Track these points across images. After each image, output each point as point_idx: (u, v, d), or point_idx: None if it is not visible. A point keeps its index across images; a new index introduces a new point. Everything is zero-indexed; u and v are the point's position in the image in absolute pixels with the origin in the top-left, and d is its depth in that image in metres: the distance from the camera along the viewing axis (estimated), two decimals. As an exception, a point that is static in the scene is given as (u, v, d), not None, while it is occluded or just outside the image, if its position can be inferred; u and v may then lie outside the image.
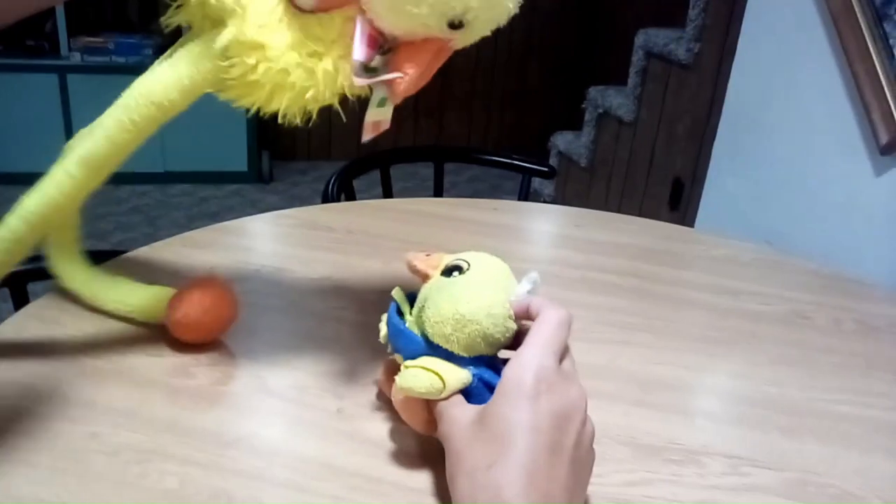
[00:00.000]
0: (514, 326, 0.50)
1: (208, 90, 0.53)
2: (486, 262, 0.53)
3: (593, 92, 2.59)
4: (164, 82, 0.52)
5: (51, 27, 2.95)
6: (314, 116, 0.53)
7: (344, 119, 0.55)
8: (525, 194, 1.46)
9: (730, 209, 1.65)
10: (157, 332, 0.65)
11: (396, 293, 0.55)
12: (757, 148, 1.56)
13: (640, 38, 2.29)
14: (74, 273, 0.67)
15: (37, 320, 0.67)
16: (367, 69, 0.52)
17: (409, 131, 3.75)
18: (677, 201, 2.14)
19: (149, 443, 0.52)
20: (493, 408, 0.44)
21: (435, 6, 0.49)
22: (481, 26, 0.52)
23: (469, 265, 0.52)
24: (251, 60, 0.50)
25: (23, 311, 0.68)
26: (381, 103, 0.55)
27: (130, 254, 0.80)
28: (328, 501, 0.49)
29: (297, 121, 0.53)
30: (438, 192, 1.48)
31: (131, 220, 2.87)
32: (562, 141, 2.80)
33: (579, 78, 2.91)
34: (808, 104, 1.43)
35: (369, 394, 0.59)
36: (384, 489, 0.50)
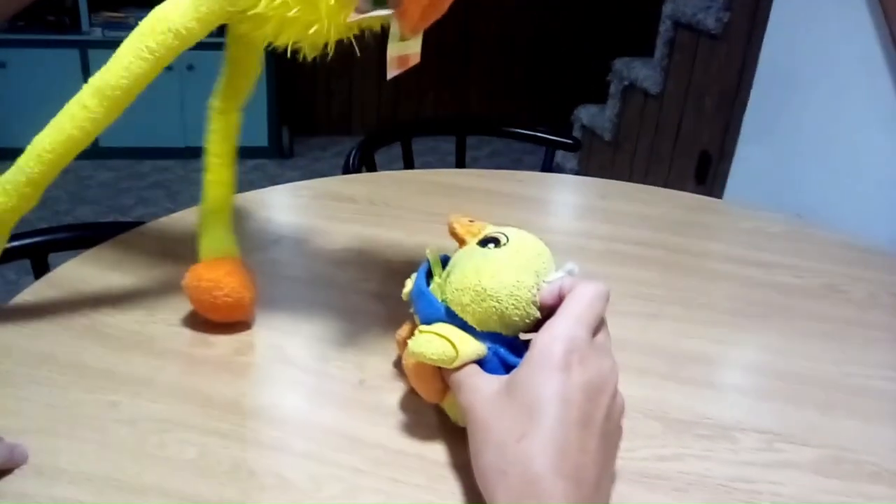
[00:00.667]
0: (536, 313, 0.48)
1: (224, 21, 0.52)
2: (526, 242, 0.51)
3: (619, 64, 2.54)
4: (182, 10, 0.50)
5: (72, 2, 2.95)
6: (330, 52, 0.52)
7: (357, 53, 0.53)
8: (548, 168, 1.44)
9: (759, 183, 1.61)
10: (177, 302, 0.64)
11: (431, 253, 0.54)
12: (789, 120, 1.52)
13: (668, 8, 2.24)
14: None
15: (56, 289, 0.66)
16: (374, 0, 0.50)
17: (429, 105, 3.71)
18: (704, 175, 2.10)
19: (168, 412, 0.52)
20: (522, 377, 0.43)
21: None
22: None
23: (507, 240, 0.50)
24: None
25: (43, 279, 0.68)
26: (405, 36, 0.53)
27: (150, 224, 0.79)
28: (349, 473, 0.48)
29: (310, 56, 0.52)
30: (461, 166, 1.46)
31: (153, 195, 2.88)
32: (585, 114, 2.76)
33: (604, 49, 2.85)
34: (843, 75, 1.39)
35: (391, 366, 0.58)
36: (406, 461, 0.49)
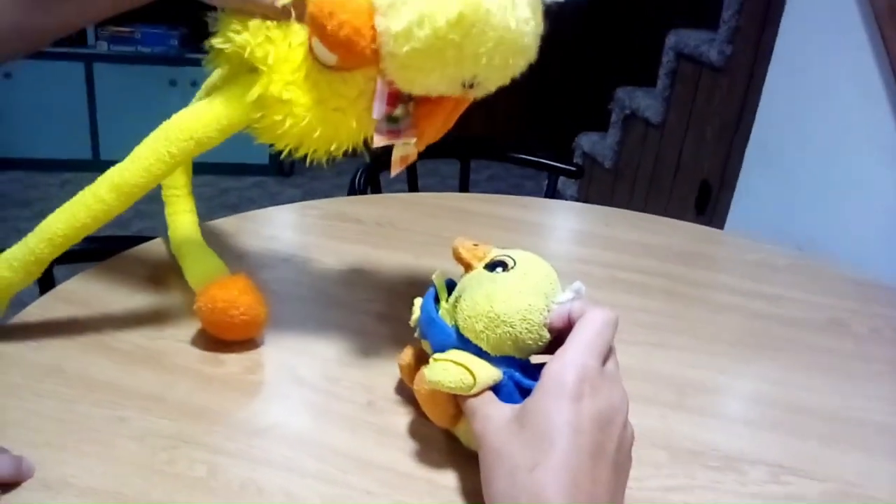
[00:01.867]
0: (547, 336, 0.49)
1: (244, 129, 0.56)
2: (533, 264, 0.51)
3: (621, 93, 2.56)
4: (204, 120, 0.54)
5: (79, 15, 2.96)
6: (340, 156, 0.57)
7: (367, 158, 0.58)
8: (551, 194, 1.45)
9: (760, 214, 1.62)
10: (187, 318, 0.64)
11: (437, 278, 0.54)
12: (791, 152, 1.54)
13: (671, 39, 2.26)
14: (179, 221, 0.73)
15: (64, 302, 0.66)
16: (389, 119, 0.55)
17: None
18: (704, 205, 2.12)
19: (177, 429, 0.51)
20: (534, 406, 0.43)
21: (444, 76, 0.51)
22: (495, 82, 0.54)
23: (514, 263, 0.51)
24: (278, 117, 0.53)
25: (50, 293, 0.68)
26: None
27: (158, 239, 0.79)
28: (359, 495, 0.47)
29: (323, 162, 0.57)
30: (464, 189, 1.46)
31: (152, 209, 2.84)
32: (587, 142, 2.77)
33: (606, 78, 2.88)
34: (846, 108, 1.41)
35: (399, 388, 0.58)
36: (415, 485, 0.49)
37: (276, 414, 0.55)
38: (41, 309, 0.65)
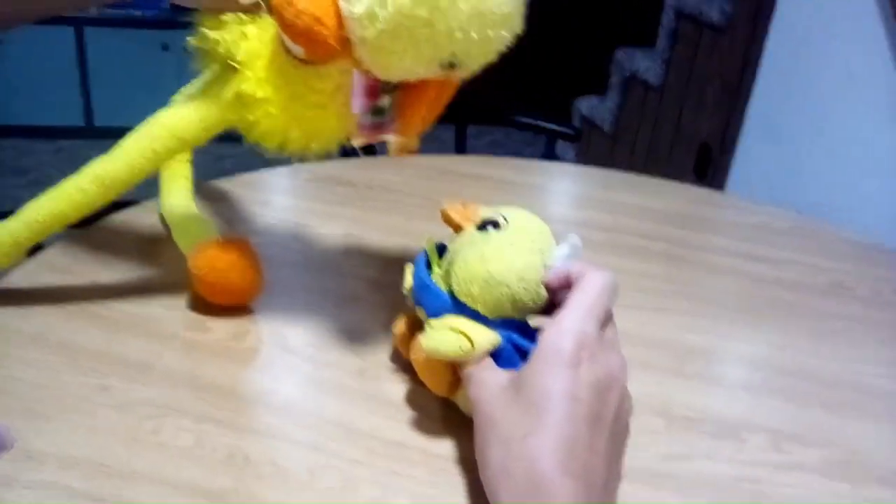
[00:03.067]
0: (545, 294, 0.47)
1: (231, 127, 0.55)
2: (525, 221, 0.50)
3: (620, 54, 2.52)
4: (189, 119, 0.54)
5: (68, -22, 2.91)
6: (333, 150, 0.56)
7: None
8: (549, 156, 1.42)
9: (761, 177, 1.60)
10: (174, 284, 0.62)
11: (428, 243, 0.52)
12: (793, 115, 1.51)
13: (671, -1, 2.22)
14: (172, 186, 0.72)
15: (49, 269, 0.64)
16: (375, 111, 0.53)
17: (428, 93, 3.68)
18: (704, 169, 2.09)
19: (163, 398, 0.50)
20: (530, 374, 0.41)
21: (419, 58, 0.48)
22: (477, 59, 0.50)
23: (506, 221, 0.49)
24: (254, 116, 0.51)
25: (34, 258, 0.66)
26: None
27: (145, 203, 0.77)
28: (347, 464, 0.46)
29: (314, 157, 0.55)
30: (460, 153, 1.44)
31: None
32: (585, 105, 2.74)
33: (606, 39, 2.83)
34: (850, 67, 1.38)
35: (390, 354, 0.57)
36: (406, 454, 0.48)
37: (264, 382, 0.54)
38: (26, 275, 0.63)
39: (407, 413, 0.51)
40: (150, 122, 0.54)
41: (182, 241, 0.64)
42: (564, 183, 1.05)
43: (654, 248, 0.81)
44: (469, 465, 0.46)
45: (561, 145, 2.82)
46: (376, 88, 0.52)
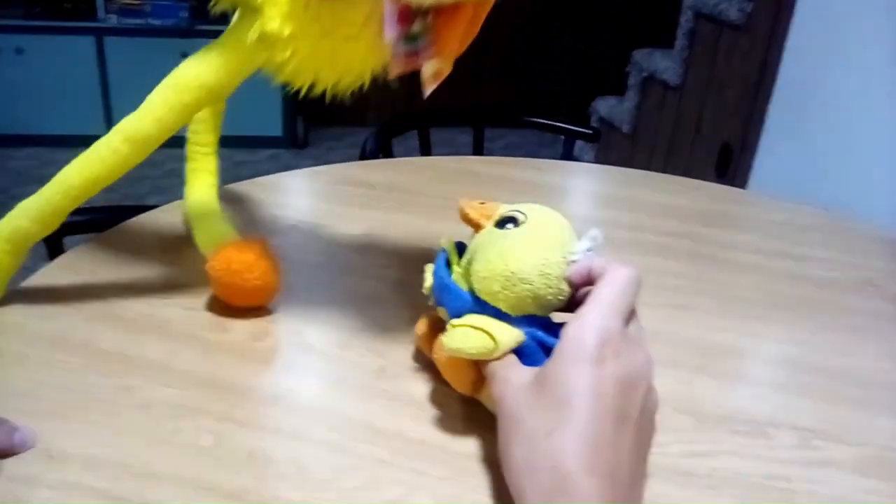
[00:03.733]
0: (567, 289, 0.46)
1: (255, 71, 0.53)
2: (544, 216, 0.49)
3: (638, 55, 2.51)
4: (214, 66, 0.51)
5: (88, -11, 2.95)
6: (365, 87, 0.53)
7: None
8: (567, 158, 1.41)
9: (783, 176, 1.58)
10: (193, 285, 0.62)
11: (446, 243, 0.52)
12: (816, 112, 1.49)
13: (689, -1, 2.20)
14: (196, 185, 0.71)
15: (70, 271, 0.65)
16: (408, 38, 0.49)
17: (444, 98, 3.68)
18: (725, 168, 2.07)
19: (183, 398, 0.50)
20: (553, 370, 0.41)
21: None
22: None
23: (525, 217, 0.48)
24: (284, 55, 0.49)
25: (56, 261, 0.66)
26: None
27: (165, 207, 0.78)
28: (370, 463, 0.46)
29: (346, 97, 0.53)
30: (478, 155, 1.44)
31: (167, 183, 2.87)
32: (603, 106, 2.72)
33: (623, 41, 2.82)
34: (871, 65, 1.36)
35: (411, 353, 0.56)
36: (429, 452, 0.47)
37: (285, 382, 0.53)
38: (47, 278, 0.63)
39: (429, 412, 0.51)
40: (175, 74, 0.52)
41: (201, 240, 0.64)
42: (585, 182, 1.04)
43: (677, 246, 0.80)
44: (492, 463, 0.46)
45: (579, 146, 2.80)
46: (408, 14, 0.48)
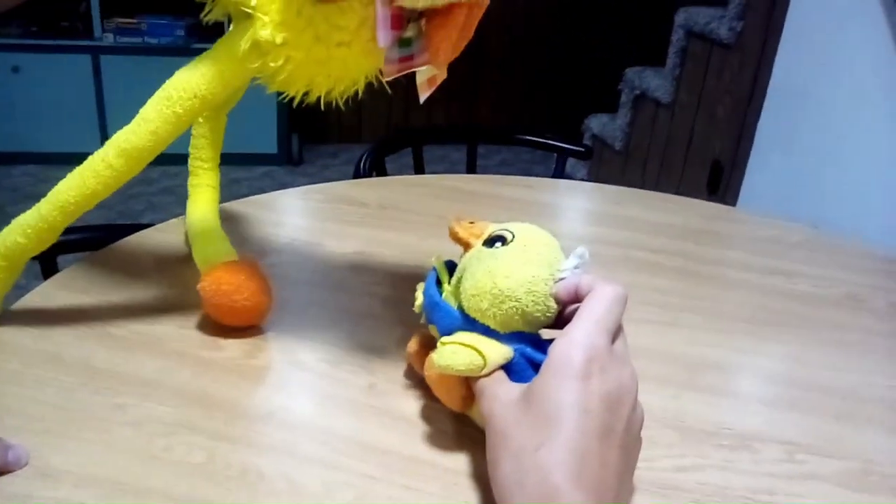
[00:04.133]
0: (555, 306, 0.47)
1: (251, 80, 0.52)
2: (532, 234, 0.50)
3: (630, 73, 2.53)
4: (206, 76, 0.51)
5: (85, 8, 2.96)
6: (360, 94, 0.53)
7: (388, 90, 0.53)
8: (559, 175, 1.43)
9: (773, 193, 1.60)
10: (187, 303, 0.63)
11: (437, 261, 0.53)
12: (804, 129, 1.51)
13: (681, 17, 2.23)
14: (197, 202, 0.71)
15: (65, 290, 0.65)
16: (402, 43, 0.50)
17: (439, 117, 3.71)
18: (716, 185, 2.09)
19: (176, 415, 0.50)
20: (540, 386, 0.41)
21: None
22: None
23: (513, 236, 0.49)
24: (277, 63, 0.49)
25: (50, 280, 0.67)
26: None
27: (160, 225, 0.78)
28: (361, 479, 0.46)
29: (341, 103, 0.53)
30: (471, 173, 1.45)
31: (162, 201, 2.88)
32: (596, 123, 2.75)
33: (615, 59, 2.85)
34: (860, 83, 1.38)
35: (402, 370, 0.57)
36: (419, 468, 0.48)
37: (277, 399, 0.54)
38: (41, 296, 0.64)
39: (419, 428, 0.51)
40: (168, 86, 0.51)
41: (198, 258, 0.64)
42: (577, 200, 1.05)
43: (667, 263, 0.81)
44: (482, 479, 0.46)
45: (572, 164, 2.82)
46: (401, 18, 0.48)
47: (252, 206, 0.86)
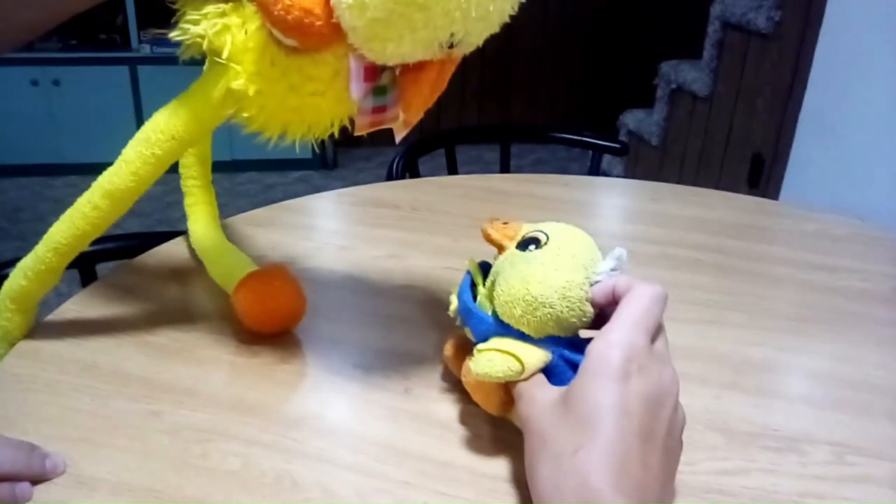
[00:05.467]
0: (591, 310, 0.46)
1: (224, 121, 0.52)
2: (567, 236, 0.48)
3: (665, 67, 2.49)
4: (184, 118, 0.51)
5: (122, 21, 3.01)
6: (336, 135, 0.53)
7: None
8: (595, 173, 1.41)
9: (817, 185, 1.56)
10: (221, 309, 0.63)
11: (471, 264, 0.52)
12: (847, 119, 1.47)
13: (717, 8, 2.19)
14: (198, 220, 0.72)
15: (100, 298, 0.66)
16: (377, 92, 0.50)
17: (473, 115, 3.70)
18: (757, 178, 2.04)
19: (211, 422, 0.50)
20: (578, 388, 0.40)
21: (417, 42, 0.45)
22: (479, 35, 0.48)
23: (547, 238, 0.48)
24: (251, 111, 0.49)
25: (87, 289, 0.67)
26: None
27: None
28: (396, 486, 0.46)
29: (320, 140, 0.53)
30: (505, 173, 1.44)
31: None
32: (632, 119, 2.71)
33: (650, 53, 2.81)
34: (904, 69, 1.33)
35: (437, 374, 0.56)
36: (455, 474, 0.47)
37: (311, 404, 0.54)
38: (78, 305, 0.64)
39: (455, 433, 0.50)
40: (146, 128, 0.52)
41: (216, 273, 0.65)
42: (613, 197, 1.03)
43: (707, 259, 0.79)
44: (519, 484, 0.45)
45: (608, 160, 2.79)
46: (374, 70, 0.48)
47: (284, 211, 0.86)
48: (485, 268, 0.52)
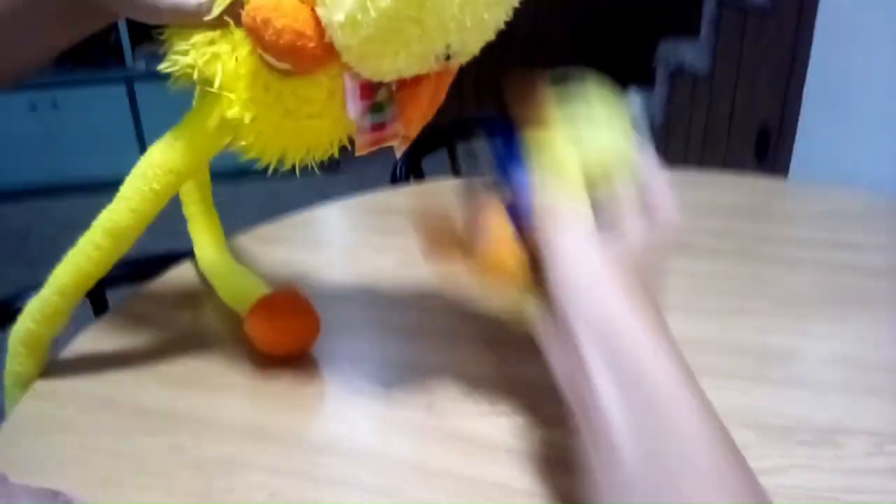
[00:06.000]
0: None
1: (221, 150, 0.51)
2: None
3: (664, 48, 2.47)
4: (180, 150, 0.50)
5: (115, 39, 3.01)
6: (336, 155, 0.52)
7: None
8: (601, 160, 1.39)
9: (826, 157, 1.54)
10: (235, 333, 0.62)
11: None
12: (854, 88, 1.44)
13: (711, -13, 2.16)
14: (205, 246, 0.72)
15: (114, 329, 0.65)
16: (374, 108, 0.49)
17: (471, 106, 3.68)
18: (764, 152, 2.02)
19: (233, 452, 0.49)
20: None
21: (412, 56, 0.44)
22: (475, 44, 0.47)
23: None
24: (248, 139, 0.48)
25: (100, 321, 0.67)
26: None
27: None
28: (426, 508, 0.45)
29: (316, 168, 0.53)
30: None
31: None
32: (633, 101, 2.69)
33: (647, 34, 2.78)
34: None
35: (460, 386, 0.55)
36: (485, 491, 0.46)
37: (333, 427, 0.53)
38: (91, 339, 0.64)
39: (483, 447, 0.49)
40: (143, 163, 0.51)
41: (228, 297, 0.64)
42: (620, 187, 1.02)
43: (724, 246, 0.77)
44: (553, 497, 0.44)
45: (612, 146, 2.76)
46: (370, 87, 0.47)
47: (289, 227, 0.85)
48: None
